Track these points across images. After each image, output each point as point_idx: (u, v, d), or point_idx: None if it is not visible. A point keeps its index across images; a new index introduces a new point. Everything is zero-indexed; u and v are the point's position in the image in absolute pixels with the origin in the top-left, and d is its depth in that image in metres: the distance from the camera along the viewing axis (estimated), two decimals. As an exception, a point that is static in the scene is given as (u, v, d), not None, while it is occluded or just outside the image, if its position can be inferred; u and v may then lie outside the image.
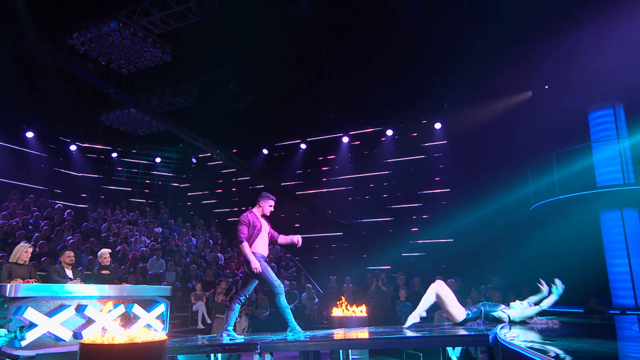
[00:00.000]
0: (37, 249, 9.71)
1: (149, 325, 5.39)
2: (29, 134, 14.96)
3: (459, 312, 5.09)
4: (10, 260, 5.90)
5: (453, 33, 11.73)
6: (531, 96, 12.49)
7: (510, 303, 5.18)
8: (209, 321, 10.41)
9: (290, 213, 14.92)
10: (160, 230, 14.44)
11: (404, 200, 14.86)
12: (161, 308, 5.81)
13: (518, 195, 11.46)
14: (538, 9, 10.38)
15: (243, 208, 18.02)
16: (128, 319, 5.30)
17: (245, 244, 4.91)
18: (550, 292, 5.05)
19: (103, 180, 17.28)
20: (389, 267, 13.41)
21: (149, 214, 15.68)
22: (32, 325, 4.52)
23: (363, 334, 4.85)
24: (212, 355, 4.55)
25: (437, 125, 14.48)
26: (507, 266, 10.77)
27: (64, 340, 4.72)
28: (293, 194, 15.13)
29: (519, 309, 5.06)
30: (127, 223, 14.17)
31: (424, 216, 14.53)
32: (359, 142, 16.04)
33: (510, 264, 10.77)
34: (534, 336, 4.01)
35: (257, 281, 5.10)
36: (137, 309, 5.46)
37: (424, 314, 5.18)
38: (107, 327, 3.16)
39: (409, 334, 4.52)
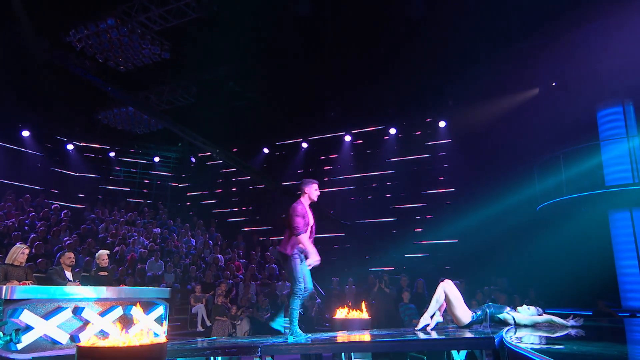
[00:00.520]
0: (33, 250, 9.55)
1: (147, 328, 5.31)
2: (25, 133, 14.81)
3: (465, 314, 5.02)
4: (6, 262, 5.82)
5: (458, 29, 11.55)
6: (538, 93, 12.40)
7: (518, 307, 5.14)
8: (208, 323, 10.35)
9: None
10: (159, 230, 14.33)
11: (408, 200, 14.77)
12: (160, 310, 5.85)
13: (524, 195, 11.40)
14: (545, 4, 10.23)
15: (243, 208, 17.97)
16: (126, 322, 5.22)
17: (305, 236, 4.89)
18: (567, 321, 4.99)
19: (100, 180, 17.10)
20: (392, 268, 13.30)
21: (148, 215, 15.52)
22: (28, 328, 4.52)
23: (365, 336, 4.84)
24: (211, 358, 4.57)
25: (442, 124, 14.34)
26: (512, 268, 10.74)
27: (60, 344, 4.71)
28: (294, 193, 14.92)
29: (526, 313, 5.02)
30: (125, 223, 14.01)
31: (428, 216, 14.43)
32: (361, 141, 15.92)
33: (516, 265, 10.74)
34: (540, 339, 3.98)
35: (309, 270, 5.05)
36: (135, 312, 5.36)
37: (441, 319, 5.13)
38: (104, 329, 3.09)
39: (415, 336, 4.52)
